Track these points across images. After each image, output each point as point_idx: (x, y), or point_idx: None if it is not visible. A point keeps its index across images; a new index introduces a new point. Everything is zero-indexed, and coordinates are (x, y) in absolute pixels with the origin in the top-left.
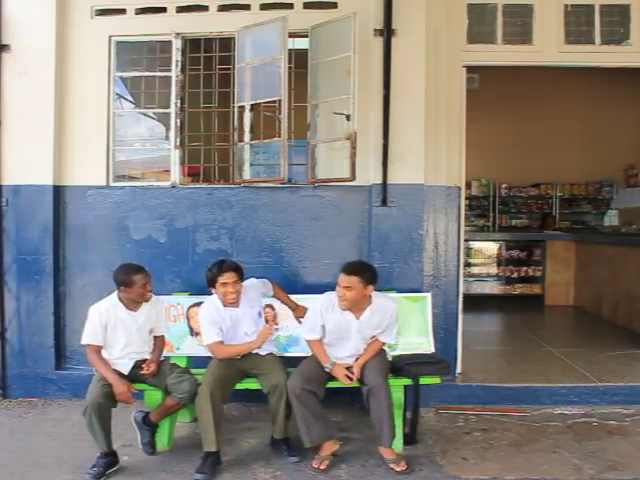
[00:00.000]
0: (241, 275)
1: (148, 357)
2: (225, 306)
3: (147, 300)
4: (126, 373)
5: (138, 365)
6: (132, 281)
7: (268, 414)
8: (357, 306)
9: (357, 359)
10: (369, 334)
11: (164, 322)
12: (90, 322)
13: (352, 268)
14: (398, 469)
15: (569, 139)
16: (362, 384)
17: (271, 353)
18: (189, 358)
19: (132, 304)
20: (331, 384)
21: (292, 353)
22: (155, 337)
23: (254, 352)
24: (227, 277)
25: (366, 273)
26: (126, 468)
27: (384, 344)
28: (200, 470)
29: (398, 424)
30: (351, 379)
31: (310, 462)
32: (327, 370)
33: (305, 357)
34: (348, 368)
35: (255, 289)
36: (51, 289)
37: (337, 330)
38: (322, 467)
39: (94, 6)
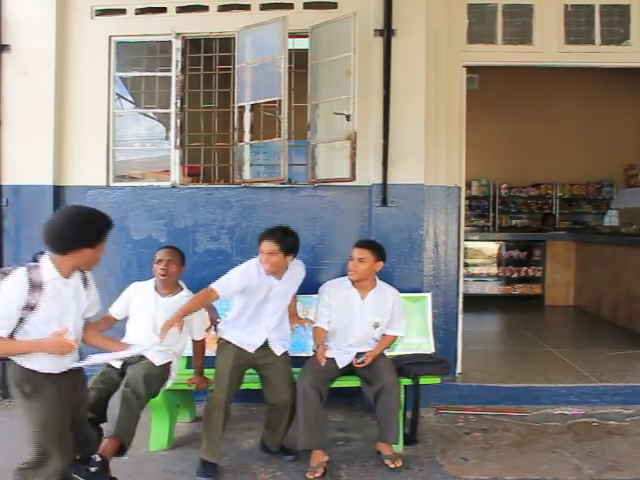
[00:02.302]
0: (284, 248)
1: (149, 354)
2: (268, 274)
3: (161, 280)
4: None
5: (130, 362)
6: (154, 256)
7: None
8: (364, 283)
9: (358, 354)
10: (372, 320)
11: (198, 324)
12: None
13: (366, 242)
14: (392, 465)
15: (569, 139)
16: (367, 383)
17: (286, 353)
18: (189, 358)
19: (163, 287)
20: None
21: (291, 353)
22: (193, 342)
23: (270, 347)
24: (264, 246)
25: (378, 249)
26: (126, 468)
27: (396, 338)
28: (203, 474)
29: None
30: (358, 364)
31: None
32: (313, 349)
33: (307, 357)
34: (358, 354)
35: (301, 273)
36: None
37: (342, 309)
38: (317, 475)
39: (94, 6)
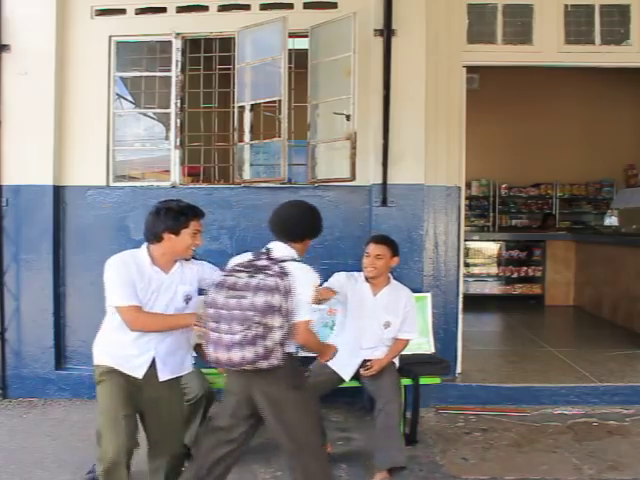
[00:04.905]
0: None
1: None
2: (154, 265)
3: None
4: None
5: None
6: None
7: None
8: (379, 280)
9: (366, 361)
10: (384, 319)
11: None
12: None
13: (382, 238)
14: None
15: (569, 139)
16: (369, 389)
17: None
18: None
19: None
20: None
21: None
22: None
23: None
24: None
25: (394, 244)
26: None
27: (408, 342)
28: None
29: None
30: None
31: None
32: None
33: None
34: (366, 361)
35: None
36: (51, 289)
37: (355, 303)
38: None
39: (94, 6)
